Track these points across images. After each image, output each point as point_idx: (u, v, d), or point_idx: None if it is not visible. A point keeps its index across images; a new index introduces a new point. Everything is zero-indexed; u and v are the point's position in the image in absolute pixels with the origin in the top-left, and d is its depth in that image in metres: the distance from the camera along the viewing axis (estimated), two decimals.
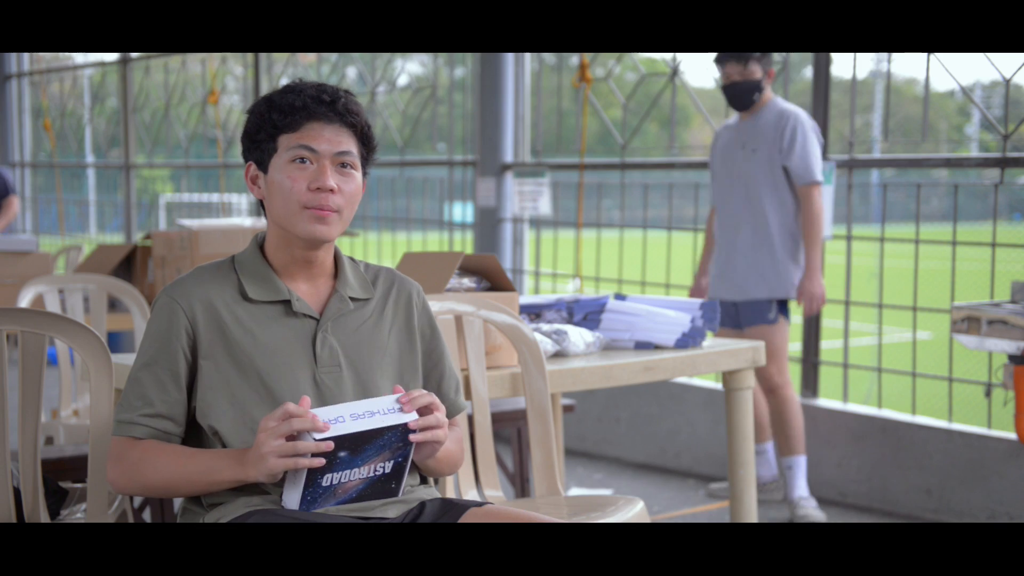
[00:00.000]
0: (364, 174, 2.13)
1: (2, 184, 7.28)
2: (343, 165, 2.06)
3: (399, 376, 2.15)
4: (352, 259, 2.20)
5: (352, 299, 2.13)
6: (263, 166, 2.08)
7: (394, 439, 1.90)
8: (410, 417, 1.91)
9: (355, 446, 1.87)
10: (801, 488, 4.61)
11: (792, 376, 5.34)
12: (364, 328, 2.12)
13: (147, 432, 2.02)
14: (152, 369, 2.02)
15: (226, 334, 2.04)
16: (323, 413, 1.88)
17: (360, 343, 2.11)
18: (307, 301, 2.10)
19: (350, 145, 2.07)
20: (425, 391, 1.98)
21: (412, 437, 1.91)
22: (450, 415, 2.22)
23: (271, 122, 2.05)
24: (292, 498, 1.91)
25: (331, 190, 2.03)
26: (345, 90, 2.09)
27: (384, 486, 1.95)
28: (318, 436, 1.84)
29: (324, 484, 1.88)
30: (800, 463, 4.62)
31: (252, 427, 2.01)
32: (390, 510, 2.06)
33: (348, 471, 1.89)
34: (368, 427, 1.87)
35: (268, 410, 2.00)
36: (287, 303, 2.07)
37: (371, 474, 1.91)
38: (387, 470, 1.93)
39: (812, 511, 4.56)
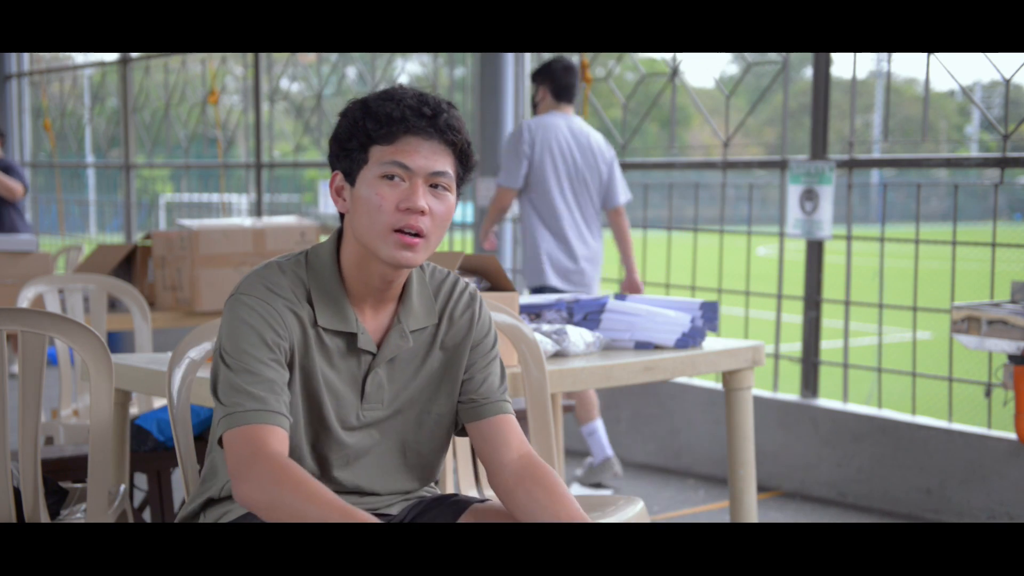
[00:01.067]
0: (458, 194, 1.97)
1: (19, 176, 7.34)
2: (436, 186, 1.90)
3: (439, 395, 2.05)
4: (422, 268, 2.04)
5: (412, 331, 2.00)
6: (351, 177, 1.92)
7: None
8: None
9: None
10: (608, 448, 5.10)
11: (792, 376, 5.34)
12: (415, 360, 2.02)
13: (284, 422, 1.85)
14: (258, 367, 1.85)
15: (306, 355, 1.93)
16: None
17: (407, 375, 2.01)
18: (370, 332, 1.97)
19: (446, 165, 1.91)
20: None
21: None
22: (489, 413, 2.05)
23: (364, 131, 1.89)
24: None
25: (421, 211, 1.87)
26: (448, 102, 1.94)
27: None
28: None
29: None
30: (599, 426, 5.11)
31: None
32: (395, 507, 2.06)
33: None
34: None
35: (309, 442, 1.95)
36: (353, 336, 1.96)
37: None
38: None
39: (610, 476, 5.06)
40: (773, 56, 5.28)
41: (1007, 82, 4.46)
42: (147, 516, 3.79)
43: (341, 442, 1.99)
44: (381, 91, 1.93)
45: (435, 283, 2.05)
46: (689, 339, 3.18)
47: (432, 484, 2.17)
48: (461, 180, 1.96)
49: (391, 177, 1.88)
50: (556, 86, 5.01)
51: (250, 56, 7.95)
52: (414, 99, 1.89)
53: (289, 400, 1.90)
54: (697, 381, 5.46)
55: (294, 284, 1.93)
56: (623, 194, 5.10)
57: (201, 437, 3.24)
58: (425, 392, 2.04)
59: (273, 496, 1.76)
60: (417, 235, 1.88)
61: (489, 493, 2.78)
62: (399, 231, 1.87)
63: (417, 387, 2.02)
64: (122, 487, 2.76)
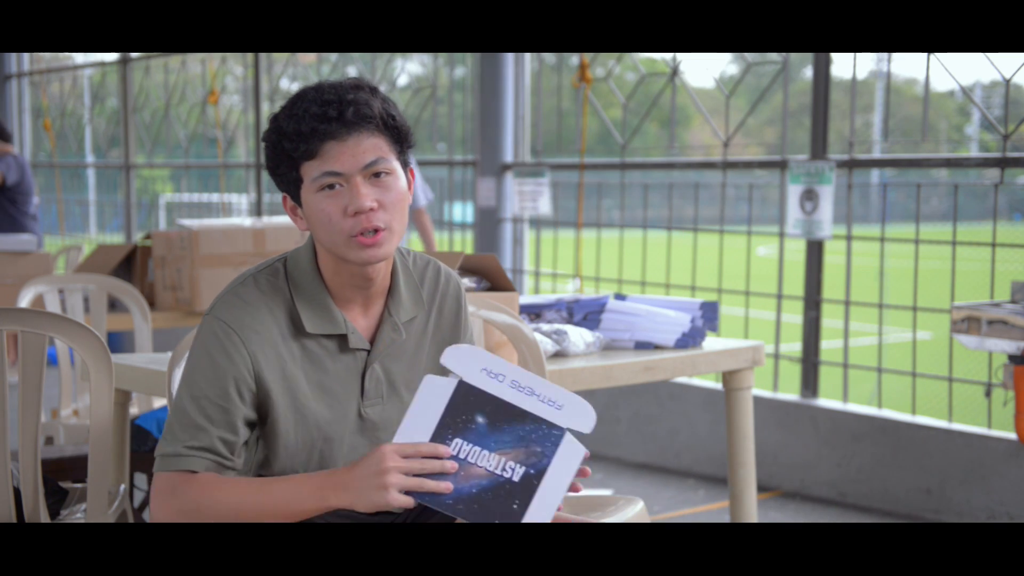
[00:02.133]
0: (406, 165, 1.93)
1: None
2: (377, 175, 1.87)
3: None
4: (403, 255, 2.04)
5: (404, 322, 1.99)
6: (296, 198, 1.92)
7: (538, 438, 1.73)
8: (574, 442, 1.72)
9: (496, 415, 1.74)
10: None
11: (792, 376, 5.34)
12: (408, 350, 2.01)
13: (201, 464, 1.84)
14: (200, 403, 1.85)
15: (286, 376, 1.90)
16: (491, 363, 1.76)
17: (404, 367, 2.00)
18: (360, 331, 1.96)
19: (377, 150, 1.87)
20: None
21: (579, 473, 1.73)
22: None
23: (286, 153, 1.88)
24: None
25: (371, 209, 1.86)
26: (353, 84, 1.91)
27: (505, 501, 1.71)
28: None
29: (450, 446, 1.73)
30: None
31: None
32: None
33: (477, 447, 1.72)
34: (520, 404, 1.74)
35: (315, 460, 1.93)
36: (343, 337, 1.94)
37: (497, 470, 1.72)
38: (514, 478, 1.71)
39: None
40: (773, 56, 5.28)
41: (1007, 82, 4.46)
42: (147, 516, 3.79)
43: (344, 449, 1.97)
44: (288, 104, 1.90)
45: (418, 270, 2.05)
46: (689, 339, 3.18)
47: None
48: (402, 151, 1.92)
49: (330, 187, 1.86)
50: None
51: (250, 56, 7.95)
52: (317, 105, 1.86)
53: (235, 440, 1.87)
54: (697, 381, 5.46)
55: (273, 299, 1.91)
56: (423, 196, 5.78)
57: None
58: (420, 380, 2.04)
59: (183, 503, 1.80)
60: (376, 230, 1.87)
61: None
62: (358, 235, 1.86)
63: (413, 378, 2.01)
64: (122, 487, 2.76)
